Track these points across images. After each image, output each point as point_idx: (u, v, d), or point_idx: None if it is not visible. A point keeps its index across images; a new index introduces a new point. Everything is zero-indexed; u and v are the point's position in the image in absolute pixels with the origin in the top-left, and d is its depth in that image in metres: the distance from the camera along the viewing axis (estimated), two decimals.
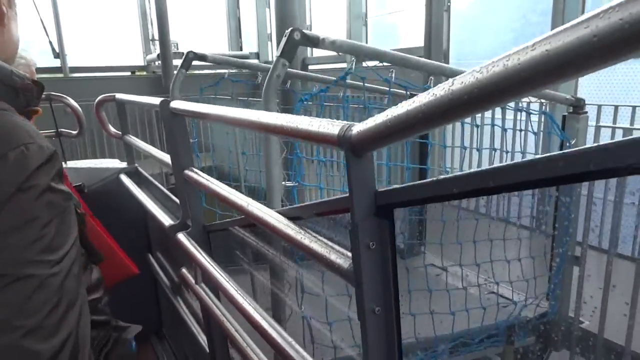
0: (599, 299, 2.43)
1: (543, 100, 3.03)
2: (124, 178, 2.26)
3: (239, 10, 9.55)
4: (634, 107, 3.33)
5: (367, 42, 6.79)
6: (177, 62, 8.27)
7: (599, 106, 3.43)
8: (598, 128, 3.36)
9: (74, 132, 2.38)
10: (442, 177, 0.55)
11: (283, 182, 2.10)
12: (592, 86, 4.18)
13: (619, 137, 3.27)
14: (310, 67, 7.86)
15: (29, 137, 0.63)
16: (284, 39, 1.69)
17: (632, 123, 3.31)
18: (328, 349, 1.99)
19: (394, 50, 6.79)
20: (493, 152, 3.04)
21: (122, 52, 8.52)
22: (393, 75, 2.48)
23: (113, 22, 8.36)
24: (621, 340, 2.37)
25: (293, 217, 0.87)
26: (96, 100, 2.35)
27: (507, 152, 3.27)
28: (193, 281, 1.41)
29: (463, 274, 2.60)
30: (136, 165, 2.43)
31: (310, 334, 1.92)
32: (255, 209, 0.96)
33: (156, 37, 8.21)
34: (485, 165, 3.24)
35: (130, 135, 2.33)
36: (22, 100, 0.71)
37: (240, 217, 1.43)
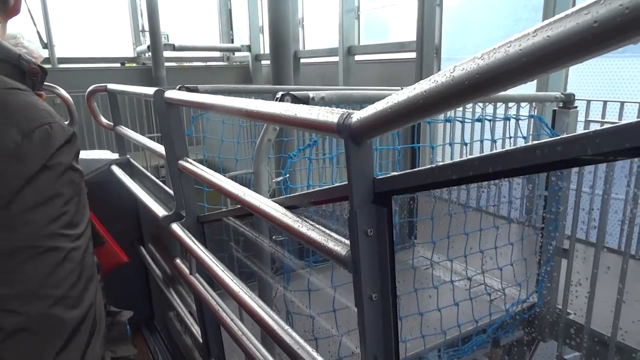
0: (587, 290, 2.47)
1: (533, 104, 3.07)
2: (115, 169, 2.25)
3: (230, 2, 9.47)
4: (622, 103, 3.38)
5: (359, 36, 6.78)
6: (168, 54, 8.23)
7: (588, 101, 3.48)
8: (587, 122, 3.41)
9: (65, 123, 2.35)
10: (440, 163, 0.56)
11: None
12: (581, 82, 4.23)
13: None
14: (302, 60, 7.84)
15: (51, 117, 0.66)
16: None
17: (620, 118, 3.37)
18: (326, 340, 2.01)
19: (386, 43, 6.79)
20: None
21: (111, 43, 8.41)
22: None
23: (102, 13, 8.25)
24: (607, 330, 2.42)
25: (290, 206, 0.87)
26: (87, 90, 2.32)
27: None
28: (187, 271, 1.41)
29: (453, 267, 2.63)
30: (128, 156, 2.41)
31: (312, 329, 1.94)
32: (252, 199, 0.96)
33: (146, 28, 8.13)
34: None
35: (122, 126, 2.31)
36: (28, 83, 0.72)
37: (234, 207, 1.43)
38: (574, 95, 2.59)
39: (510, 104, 3.04)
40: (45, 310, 0.58)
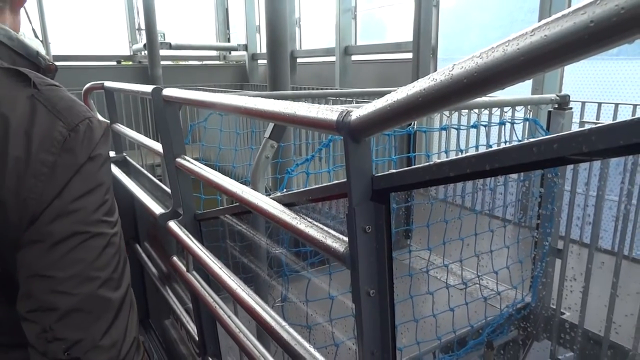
0: (580, 290, 2.50)
1: (529, 107, 3.09)
2: (111, 167, 2.24)
3: (227, 1, 9.47)
4: (616, 104, 3.41)
5: (356, 36, 6.80)
6: (164, 52, 8.22)
7: (583, 103, 3.51)
8: (582, 124, 3.44)
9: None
10: (438, 161, 0.56)
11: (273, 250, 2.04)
12: (576, 84, 4.27)
13: None
14: (298, 59, 7.85)
15: (89, 111, 0.69)
16: (270, 125, 1.65)
17: (614, 119, 3.40)
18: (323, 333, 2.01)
19: (383, 43, 6.81)
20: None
21: (107, 41, 8.39)
22: None
23: (98, 11, 8.22)
24: (600, 330, 2.44)
25: (288, 204, 0.88)
26: (84, 88, 2.30)
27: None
28: (184, 269, 1.42)
29: (448, 267, 2.65)
30: (124, 154, 2.40)
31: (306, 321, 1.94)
32: (251, 196, 0.97)
33: (142, 26, 8.11)
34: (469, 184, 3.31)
35: (119, 124, 2.30)
36: None
37: (231, 205, 1.44)
38: (569, 97, 2.61)
39: (505, 108, 3.06)
40: (94, 291, 0.64)
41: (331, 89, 6.46)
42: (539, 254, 2.78)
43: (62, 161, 0.63)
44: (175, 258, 1.51)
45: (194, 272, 1.39)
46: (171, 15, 8.66)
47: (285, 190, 1.98)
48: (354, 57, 6.79)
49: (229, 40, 9.65)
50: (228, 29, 9.63)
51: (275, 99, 0.85)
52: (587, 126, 3.46)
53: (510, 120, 2.88)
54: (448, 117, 2.78)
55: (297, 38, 7.95)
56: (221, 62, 9.71)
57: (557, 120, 2.60)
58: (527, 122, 3.03)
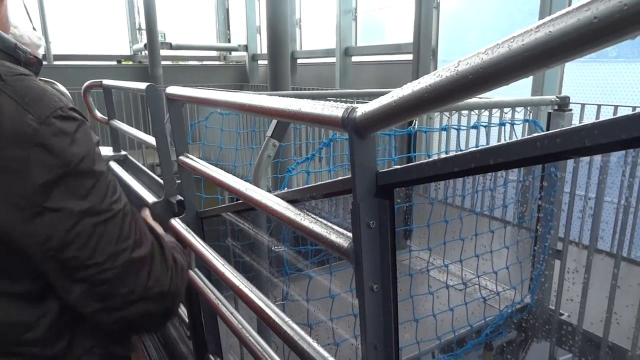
0: (579, 292, 2.51)
1: (528, 108, 3.10)
2: (113, 165, 2.25)
3: (227, 1, 9.48)
4: (615, 107, 3.42)
5: (356, 37, 6.81)
6: (165, 52, 8.22)
7: (583, 105, 3.53)
8: None
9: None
10: (442, 156, 0.57)
11: (274, 248, 2.05)
12: (576, 86, 4.28)
13: None
14: (299, 60, 7.86)
15: (61, 101, 0.69)
16: (274, 122, 1.66)
17: None
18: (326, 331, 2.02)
19: (383, 44, 6.82)
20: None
21: (108, 41, 8.40)
22: None
23: (99, 10, 8.23)
24: (599, 331, 2.45)
25: (292, 200, 0.89)
26: (84, 86, 2.38)
27: None
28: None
29: (448, 268, 2.66)
30: (126, 153, 2.42)
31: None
32: (254, 193, 0.97)
33: (143, 26, 8.12)
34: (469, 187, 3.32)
35: (117, 120, 2.32)
36: None
37: (234, 202, 1.44)
38: (569, 98, 2.62)
39: (505, 110, 3.08)
40: (129, 256, 0.74)
41: (331, 89, 6.47)
42: (538, 255, 2.79)
43: (35, 157, 0.61)
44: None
45: (196, 270, 1.40)
46: (172, 16, 8.67)
47: (286, 189, 1.99)
48: (354, 58, 6.80)
49: (229, 41, 9.67)
50: (228, 29, 9.65)
51: None
52: None
53: (510, 121, 2.90)
54: (448, 117, 2.79)
55: (298, 39, 7.96)
56: (221, 63, 9.73)
57: (556, 122, 2.61)
58: (527, 124, 3.04)
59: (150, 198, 1.67)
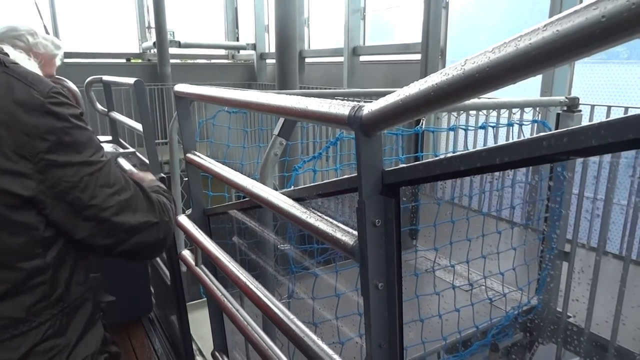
0: (586, 293, 2.49)
1: (537, 109, 3.08)
2: (122, 162, 2.27)
3: (236, 0, 9.50)
4: (626, 108, 3.39)
5: (364, 37, 6.80)
6: (173, 50, 8.25)
7: (592, 106, 3.49)
8: None
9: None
10: (448, 155, 0.57)
11: (280, 246, 2.08)
12: (586, 87, 4.25)
13: None
14: (307, 59, 7.86)
15: (54, 83, 0.84)
16: (281, 120, 1.67)
17: None
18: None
19: (391, 44, 6.78)
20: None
21: (117, 39, 8.45)
22: None
23: (109, 8, 8.28)
24: (605, 333, 2.43)
25: (298, 198, 0.89)
26: (86, 81, 2.65)
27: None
28: (193, 263, 1.43)
29: (454, 268, 2.65)
30: (134, 150, 2.43)
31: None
32: (261, 191, 0.98)
33: (152, 24, 8.16)
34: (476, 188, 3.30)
35: (115, 112, 2.61)
36: None
37: (240, 200, 1.45)
38: (579, 99, 2.60)
39: (513, 110, 3.06)
40: (119, 198, 0.89)
41: (339, 89, 6.47)
42: (545, 256, 2.78)
43: (45, 122, 0.77)
44: (184, 252, 1.53)
45: (202, 266, 1.41)
46: (181, 14, 8.71)
47: (292, 187, 1.99)
48: (362, 58, 6.79)
49: (237, 40, 9.69)
50: (237, 28, 9.67)
51: None
52: None
53: (518, 122, 2.88)
54: (456, 117, 2.78)
55: (306, 38, 7.97)
56: (229, 61, 9.75)
57: (565, 123, 2.59)
58: (536, 124, 3.02)
59: None
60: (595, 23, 0.35)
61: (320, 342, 0.82)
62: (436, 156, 3.09)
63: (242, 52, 9.65)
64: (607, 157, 2.79)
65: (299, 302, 2.04)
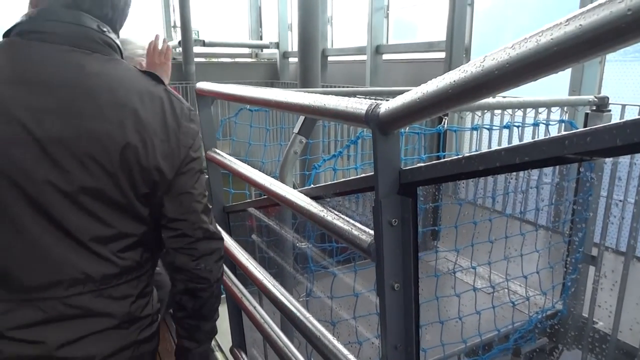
0: (613, 299, 2.41)
1: (565, 108, 3.00)
2: None
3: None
4: None
5: (387, 35, 6.75)
6: (198, 49, 8.36)
7: (623, 106, 3.38)
8: None
9: None
10: (465, 154, 0.56)
11: (298, 244, 2.10)
12: (616, 86, 4.11)
13: None
14: (329, 58, 7.85)
15: None
16: (301, 118, 1.67)
17: None
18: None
19: (415, 42, 6.71)
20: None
21: (143, 38, 8.61)
22: None
23: (136, 8, 8.43)
24: (635, 341, 2.35)
25: (315, 197, 0.89)
26: None
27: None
28: None
29: (476, 270, 2.60)
30: None
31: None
32: (278, 189, 0.98)
33: (178, 24, 8.28)
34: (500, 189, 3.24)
35: None
36: None
37: (259, 198, 1.46)
38: (608, 99, 2.52)
39: (540, 109, 2.98)
40: (207, 201, 1.00)
41: (361, 87, 6.44)
42: (571, 260, 2.70)
43: (191, 126, 0.96)
44: None
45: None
46: (205, 13, 8.81)
47: (312, 185, 1.99)
48: (385, 56, 6.74)
49: (261, 39, 9.75)
50: (261, 27, 9.73)
51: None
52: None
53: (544, 122, 2.80)
54: (480, 117, 2.73)
55: (329, 36, 7.95)
56: (253, 60, 9.82)
57: (594, 123, 2.51)
58: (563, 125, 2.94)
59: None
60: (621, 17, 0.33)
61: (335, 342, 0.82)
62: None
63: (265, 50, 9.70)
64: (638, 157, 2.69)
65: (317, 301, 2.03)
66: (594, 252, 2.65)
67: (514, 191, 3.21)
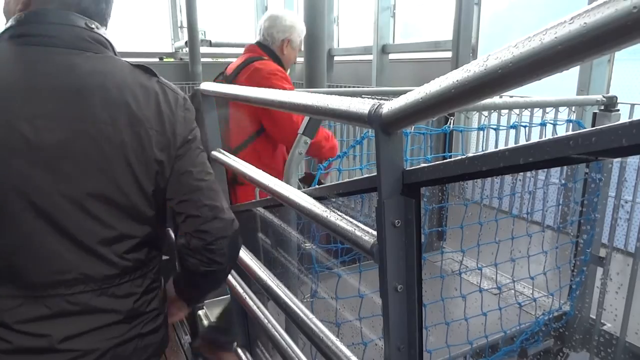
0: (622, 301, 2.38)
1: (572, 108, 2.97)
2: None
3: None
4: None
5: (394, 35, 6.72)
6: (204, 49, 8.38)
7: (632, 105, 3.35)
8: None
9: None
10: (469, 155, 0.55)
11: (303, 245, 2.10)
12: (627, 86, 4.07)
13: None
14: (336, 58, 7.85)
15: None
16: (305, 119, 1.66)
17: None
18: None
19: (421, 42, 6.68)
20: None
21: (151, 39, 8.65)
22: None
23: (143, 8, 8.48)
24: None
25: (319, 197, 0.89)
26: None
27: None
28: None
29: (482, 271, 2.58)
30: None
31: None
32: (282, 189, 0.98)
33: (185, 24, 8.31)
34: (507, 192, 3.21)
35: None
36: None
37: (264, 198, 1.45)
38: (617, 98, 2.49)
39: (547, 109, 2.95)
40: (211, 179, 0.99)
41: (367, 87, 6.42)
42: (579, 261, 2.67)
43: (187, 114, 0.98)
44: None
45: None
46: (212, 14, 8.84)
47: (317, 186, 1.98)
48: (392, 56, 6.71)
49: None
50: None
51: None
52: None
53: (551, 121, 2.78)
54: (486, 117, 2.71)
55: (335, 36, 7.94)
56: None
57: (602, 123, 2.48)
58: (570, 124, 2.91)
59: None
60: (626, 14, 0.32)
61: (338, 343, 0.81)
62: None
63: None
64: None
65: (322, 302, 2.03)
66: (602, 253, 2.63)
67: (520, 191, 3.19)
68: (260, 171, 1.15)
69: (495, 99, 2.26)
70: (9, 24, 0.87)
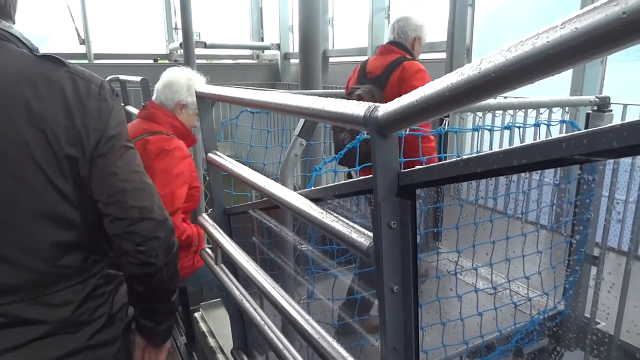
0: (616, 300, 2.40)
1: (566, 108, 2.99)
2: None
3: (261, 0, 9.57)
4: None
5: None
6: (199, 51, 8.36)
7: (625, 105, 3.38)
8: None
9: None
10: (464, 157, 0.56)
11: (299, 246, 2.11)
12: (619, 87, 4.11)
13: None
14: (331, 59, 7.86)
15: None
16: (301, 120, 1.66)
17: None
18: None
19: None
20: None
21: (145, 40, 8.63)
22: None
23: (138, 10, 8.46)
24: (637, 342, 2.35)
25: (315, 199, 0.89)
26: (106, 80, 2.89)
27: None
28: (213, 262, 1.45)
29: (477, 271, 2.59)
30: None
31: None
32: (278, 191, 0.98)
33: (179, 26, 8.28)
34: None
35: (130, 106, 3.01)
36: None
37: (260, 200, 1.46)
38: (609, 99, 2.51)
39: (541, 110, 2.97)
40: (141, 178, 0.98)
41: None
42: (573, 260, 2.69)
43: (102, 105, 0.93)
44: (204, 250, 1.55)
45: (222, 265, 1.42)
46: (207, 15, 8.83)
47: (313, 187, 1.98)
48: None
49: (262, 40, 9.75)
50: (262, 28, 9.73)
51: None
52: None
53: (545, 122, 2.80)
54: (480, 118, 2.72)
55: (330, 37, 7.95)
56: (254, 61, 9.82)
57: (595, 123, 2.51)
58: (564, 125, 2.93)
59: None
60: (615, 19, 0.33)
61: (335, 344, 0.82)
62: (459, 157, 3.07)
63: (266, 52, 9.70)
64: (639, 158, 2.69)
65: (319, 303, 2.03)
66: (596, 252, 2.65)
67: (515, 192, 3.21)
68: (256, 173, 1.16)
69: (490, 100, 2.27)
70: None
